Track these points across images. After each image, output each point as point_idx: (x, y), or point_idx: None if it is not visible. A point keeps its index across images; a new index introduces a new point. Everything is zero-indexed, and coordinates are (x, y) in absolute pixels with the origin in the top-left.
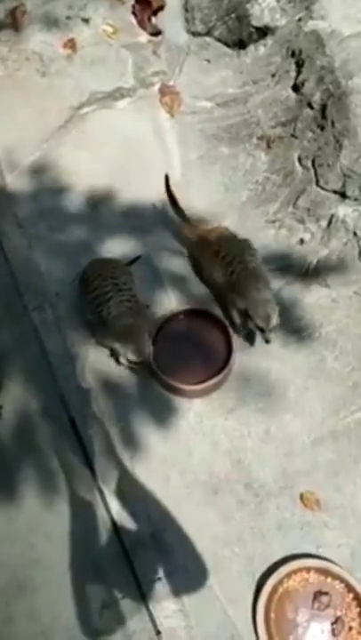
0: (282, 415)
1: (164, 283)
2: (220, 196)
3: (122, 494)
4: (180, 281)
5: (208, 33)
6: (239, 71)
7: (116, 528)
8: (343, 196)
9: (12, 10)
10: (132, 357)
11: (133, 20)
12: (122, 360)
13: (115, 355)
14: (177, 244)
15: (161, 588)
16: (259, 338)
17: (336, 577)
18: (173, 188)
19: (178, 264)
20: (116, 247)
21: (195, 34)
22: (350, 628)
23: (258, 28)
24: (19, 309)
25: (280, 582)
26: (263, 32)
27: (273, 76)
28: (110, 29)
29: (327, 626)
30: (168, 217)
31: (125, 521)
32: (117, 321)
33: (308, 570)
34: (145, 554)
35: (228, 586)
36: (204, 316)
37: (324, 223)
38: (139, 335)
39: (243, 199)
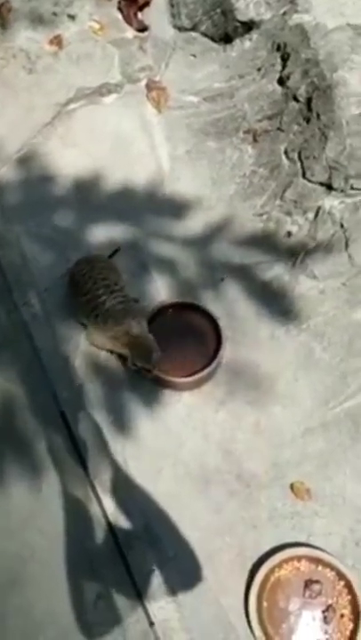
0: (272, 406)
1: (152, 275)
2: (208, 190)
3: (114, 487)
4: (168, 273)
5: (194, 28)
6: (225, 65)
7: (108, 521)
8: (329, 187)
9: None
10: (142, 363)
11: (119, 16)
12: (129, 364)
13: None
14: (165, 238)
15: (154, 579)
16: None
17: (327, 565)
18: (161, 183)
19: (166, 257)
20: (105, 241)
21: (181, 29)
22: (342, 615)
23: (243, 23)
24: (8, 305)
25: (272, 571)
26: (248, 26)
27: (259, 69)
28: (97, 26)
29: (319, 613)
30: (156, 211)
31: (118, 514)
32: (118, 326)
33: (299, 559)
34: (138, 546)
35: (220, 576)
36: (194, 309)
37: (311, 215)
38: (143, 342)
39: (230, 193)
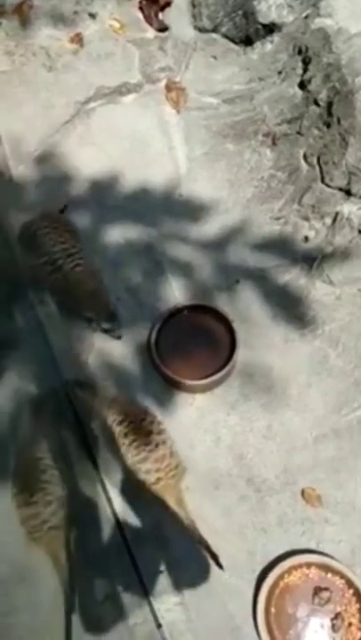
0: (284, 411)
1: (167, 276)
2: (225, 193)
3: (124, 487)
4: (183, 275)
5: (215, 29)
6: (245, 68)
7: (117, 520)
8: (348, 193)
9: (20, 4)
10: (106, 325)
11: (140, 16)
12: (95, 326)
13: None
14: (181, 239)
15: (162, 580)
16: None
17: (336, 573)
18: (178, 184)
19: (181, 259)
20: (122, 239)
21: (201, 30)
22: (350, 624)
23: (265, 25)
24: (23, 303)
25: (281, 577)
26: (270, 29)
27: (279, 73)
28: (117, 25)
29: (327, 621)
30: (172, 212)
31: (127, 513)
32: (77, 288)
33: (308, 565)
34: (146, 546)
35: (228, 580)
36: (209, 312)
37: (328, 220)
38: (102, 301)
39: (248, 196)
